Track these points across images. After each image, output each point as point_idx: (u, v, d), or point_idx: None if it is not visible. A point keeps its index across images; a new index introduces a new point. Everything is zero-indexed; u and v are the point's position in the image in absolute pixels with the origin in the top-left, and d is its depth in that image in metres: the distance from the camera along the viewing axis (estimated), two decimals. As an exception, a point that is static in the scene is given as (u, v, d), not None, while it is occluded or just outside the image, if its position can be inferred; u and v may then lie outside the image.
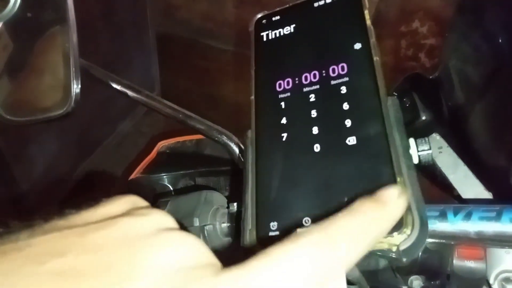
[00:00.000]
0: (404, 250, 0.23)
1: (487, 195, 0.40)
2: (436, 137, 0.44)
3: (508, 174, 0.38)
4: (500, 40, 0.37)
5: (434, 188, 0.46)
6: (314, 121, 0.28)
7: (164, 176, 0.58)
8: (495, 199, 0.37)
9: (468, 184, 0.41)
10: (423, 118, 0.45)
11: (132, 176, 0.58)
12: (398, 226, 0.23)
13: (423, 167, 0.36)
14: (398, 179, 0.24)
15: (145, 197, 0.59)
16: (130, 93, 0.42)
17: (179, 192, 0.55)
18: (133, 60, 1.28)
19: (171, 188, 0.59)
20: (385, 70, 0.29)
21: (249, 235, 0.26)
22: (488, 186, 0.41)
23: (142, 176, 0.58)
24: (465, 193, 0.41)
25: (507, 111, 0.40)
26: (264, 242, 0.26)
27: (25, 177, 1.02)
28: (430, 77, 0.45)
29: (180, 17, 1.58)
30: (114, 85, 0.43)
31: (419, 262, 0.39)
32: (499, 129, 0.42)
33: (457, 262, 0.37)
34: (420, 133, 0.45)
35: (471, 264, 0.37)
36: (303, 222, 0.25)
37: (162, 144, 0.59)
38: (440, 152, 0.42)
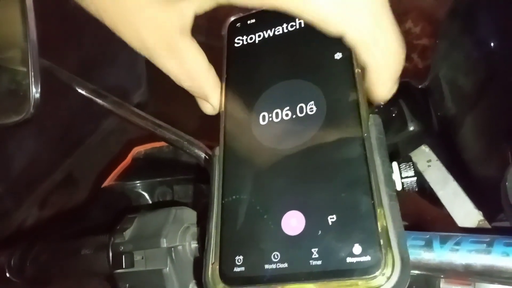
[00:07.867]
0: (383, 295, 0.20)
1: (477, 214, 0.38)
2: (425, 150, 0.41)
3: (498, 191, 0.36)
4: (492, 48, 0.34)
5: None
6: (289, 142, 0.25)
7: (139, 184, 0.55)
8: (486, 229, 0.34)
9: (457, 202, 0.39)
10: (411, 128, 0.42)
11: (106, 184, 0.55)
12: (377, 266, 0.20)
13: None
14: (378, 211, 0.22)
15: (119, 206, 0.55)
16: (95, 99, 0.39)
17: (152, 206, 0.52)
18: (118, 55, 1.23)
19: (147, 196, 0.56)
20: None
21: (211, 270, 0.23)
22: (477, 204, 0.39)
23: (116, 183, 0.55)
24: (454, 212, 0.39)
25: (499, 123, 0.38)
26: (228, 279, 0.23)
27: (2, 176, 0.98)
28: (420, 86, 0.42)
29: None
30: (79, 90, 0.40)
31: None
32: (490, 142, 0.40)
33: (444, 286, 0.35)
34: (408, 144, 0.42)
35: (458, 289, 0.35)
36: (272, 257, 0.23)
37: (137, 150, 0.56)
38: (429, 166, 0.40)
